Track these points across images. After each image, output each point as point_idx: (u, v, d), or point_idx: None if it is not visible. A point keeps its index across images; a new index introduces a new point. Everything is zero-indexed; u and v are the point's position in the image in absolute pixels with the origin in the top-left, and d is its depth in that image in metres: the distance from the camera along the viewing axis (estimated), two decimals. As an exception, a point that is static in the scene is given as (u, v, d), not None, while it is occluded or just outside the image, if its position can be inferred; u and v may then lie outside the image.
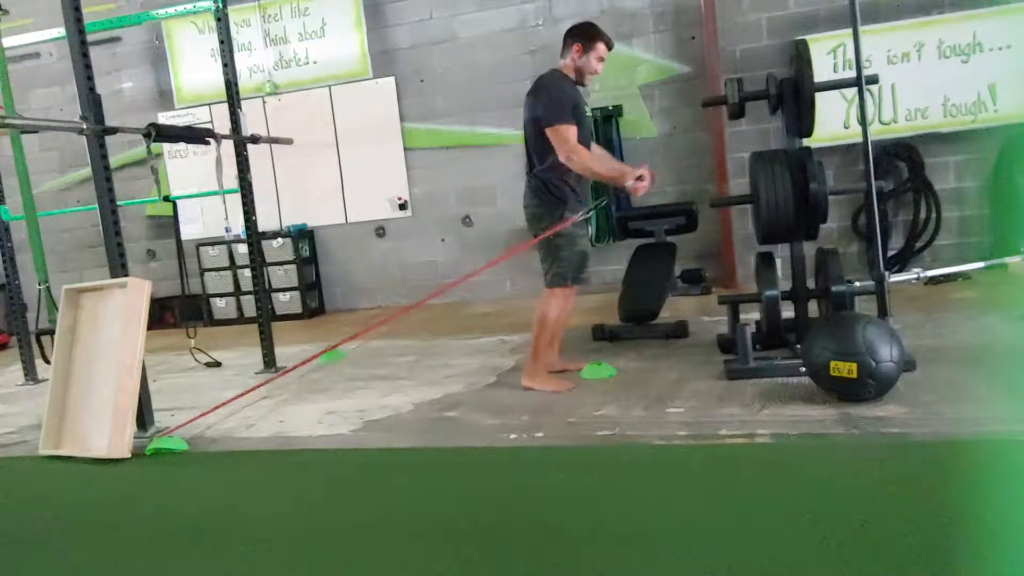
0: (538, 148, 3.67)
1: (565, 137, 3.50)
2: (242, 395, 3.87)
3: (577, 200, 3.67)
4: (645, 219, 5.28)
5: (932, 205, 5.89)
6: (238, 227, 5.14)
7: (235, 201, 4.90)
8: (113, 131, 3.64)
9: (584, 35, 3.68)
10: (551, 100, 3.55)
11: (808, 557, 1.85)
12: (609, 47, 3.72)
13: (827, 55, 5.86)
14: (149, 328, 3.51)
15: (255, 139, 5.13)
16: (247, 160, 4.92)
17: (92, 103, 3.51)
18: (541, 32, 6.62)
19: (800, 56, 3.63)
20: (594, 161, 3.60)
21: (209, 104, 7.44)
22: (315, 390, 4.25)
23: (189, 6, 5.36)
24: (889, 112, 5.88)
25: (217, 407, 3.75)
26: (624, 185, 3.52)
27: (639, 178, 3.49)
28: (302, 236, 7.28)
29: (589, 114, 3.82)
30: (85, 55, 3.53)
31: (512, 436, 3.08)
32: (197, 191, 6.28)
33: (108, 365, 3.42)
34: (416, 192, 7.15)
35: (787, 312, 3.82)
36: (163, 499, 2.86)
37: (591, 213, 3.72)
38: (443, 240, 7.10)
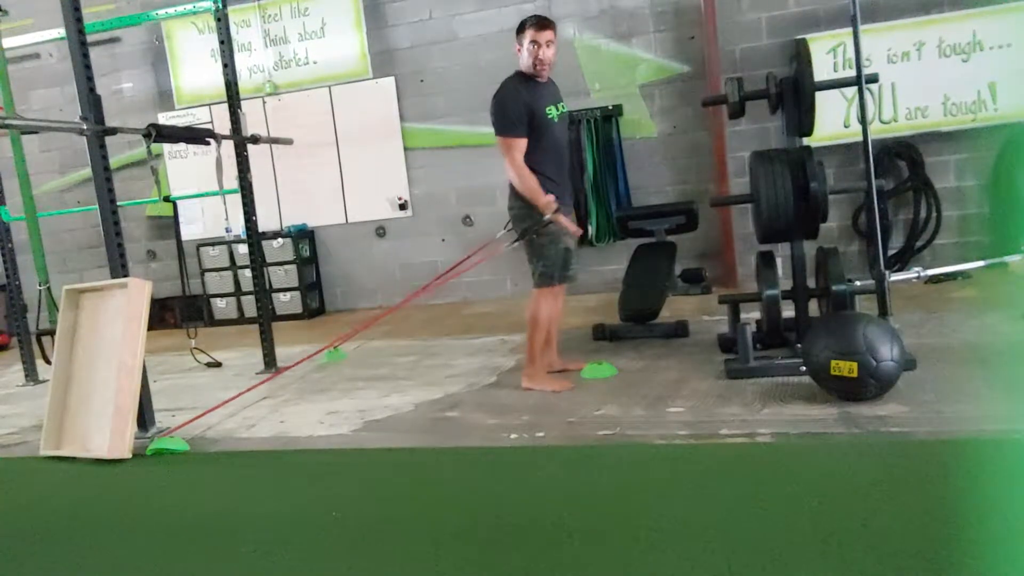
0: None
1: (508, 147, 3.58)
2: (244, 392, 3.88)
3: (557, 196, 3.63)
4: (645, 218, 5.27)
5: (932, 204, 5.89)
6: (238, 227, 5.14)
7: (235, 201, 4.90)
8: (113, 131, 3.64)
9: (517, 32, 3.61)
10: (498, 110, 3.62)
11: (808, 557, 1.85)
12: (542, 27, 3.53)
13: (827, 54, 5.86)
14: (149, 328, 3.51)
15: (255, 139, 5.12)
16: (247, 160, 4.92)
17: (92, 103, 3.52)
18: (541, 32, 6.61)
19: (800, 55, 3.63)
20: (524, 180, 3.56)
21: (209, 104, 7.43)
22: (316, 390, 4.25)
23: (189, 6, 5.36)
24: (889, 111, 5.88)
25: (217, 406, 3.75)
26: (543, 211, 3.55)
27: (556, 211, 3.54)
28: (302, 236, 7.27)
29: (565, 110, 3.74)
30: (85, 55, 3.53)
31: (512, 436, 3.08)
32: (197, 191, 6.28)
33: (109, 366, 3.42)
34: (416, 192, 7.15)
35: (787, 311, 3.82)
36: (164, 500, 2.86)
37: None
38: (443, 240, 7.09)
